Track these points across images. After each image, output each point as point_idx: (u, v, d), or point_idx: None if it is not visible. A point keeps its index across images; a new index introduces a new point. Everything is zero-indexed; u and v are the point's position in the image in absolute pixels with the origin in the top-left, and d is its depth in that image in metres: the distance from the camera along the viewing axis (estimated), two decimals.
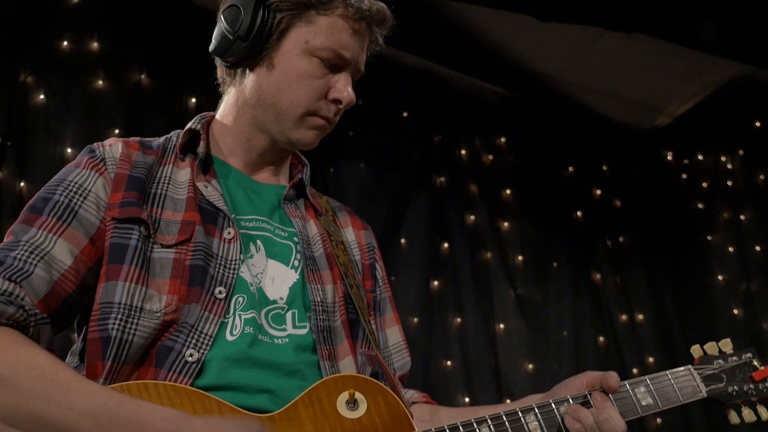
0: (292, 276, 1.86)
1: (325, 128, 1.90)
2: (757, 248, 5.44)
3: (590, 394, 1.79)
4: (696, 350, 1.99)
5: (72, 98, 4.19)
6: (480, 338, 4.91)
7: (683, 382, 1.90)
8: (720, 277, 5.56)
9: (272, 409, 1.63)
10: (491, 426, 1.70)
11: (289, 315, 1.81)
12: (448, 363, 4.76)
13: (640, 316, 5.56)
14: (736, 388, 1.94)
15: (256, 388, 1.67)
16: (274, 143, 1.91)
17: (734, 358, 1.97)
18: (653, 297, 5.64)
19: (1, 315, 1.49)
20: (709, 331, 5.34)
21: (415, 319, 4.66)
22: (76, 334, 1.78)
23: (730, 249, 5.58)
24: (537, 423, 1.74)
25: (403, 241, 4.94)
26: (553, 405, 1.77)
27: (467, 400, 4.60)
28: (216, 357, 1.66)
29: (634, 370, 5.16)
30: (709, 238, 5.72)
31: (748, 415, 1.95)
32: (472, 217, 5.28)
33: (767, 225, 5.42)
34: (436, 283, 4.97)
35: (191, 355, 1.63)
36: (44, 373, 1.45)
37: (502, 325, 5.03)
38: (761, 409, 1.97)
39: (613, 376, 1.82)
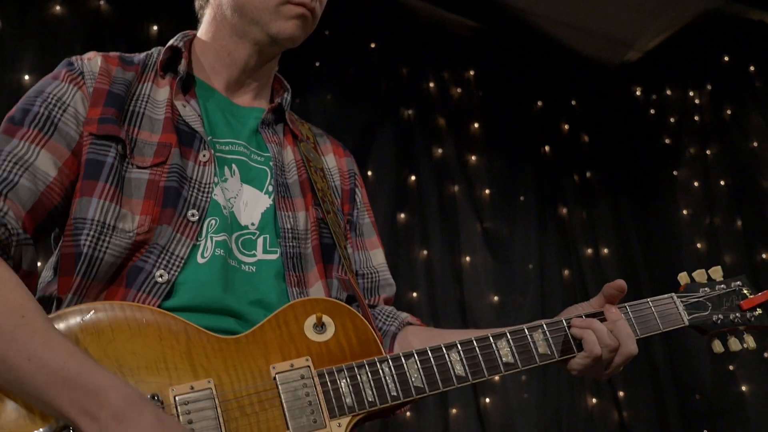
0: (265, 201, 1.85)
1: (306, 19, 1.86)
2: (722, 183, 5.47)
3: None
4: (683, 277, 1.95)
5: (29, 24, 4.08)
6: (446, 271, 4.93)
7: (665, 310, 1.87)
8: (685, 212, 5.60)
9: (240, 332, 1.62)
10: (472, 347, 1.67)
11: (260, 240, 1.80)
12: (414, 295, 4.78)
13: (605, 250, 5.60)
14: (721, 316, 1.91)
15: (224, 311, 1.67)
16: (257, 50, 1.88)
17: (722, 286, 1.93)
18: (618, 231, 5.68)
19: None
20: (673, 265, 5.39)
21: None
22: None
23: (696, 183, 5.61)
24: (544, 340, 1.72)
25: (370, 173, 4.91)
26: (564, 323, 1.76)
27: None
28: (186, 280, 1.65)
29: None
30: (675, 173, 5.75)
31: (733, 344, 1.91)
32: (440, 151, 5.25)
33: (732, 160, 5.44)
34: (402, 215, 4.96)
35: (161, 276, 1.62)
36: (11, 313, 1.43)
37: (468, 258, 5.05)
38: (748, 339, 1.93)
39: (617, 282, 1.81)
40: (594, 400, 4.97)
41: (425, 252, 4.93)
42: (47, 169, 1.61)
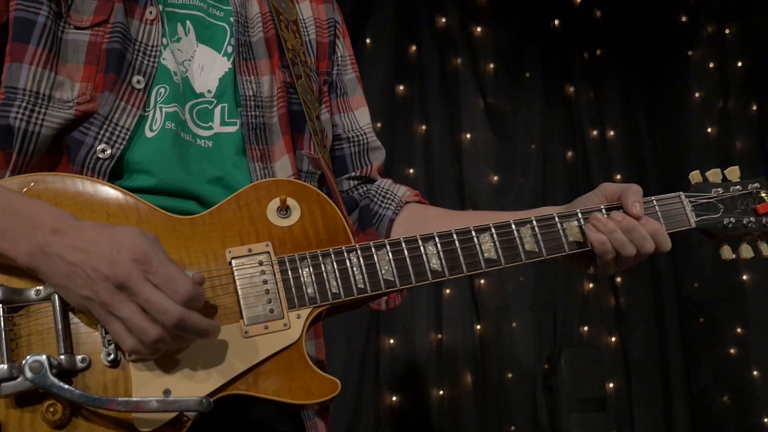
0: (223, 64, 1.63)
1: None
2: (739, 64, 5.20)
3: (608, 211, 1.63)
4: (694, 176, 1.75)
5: None
6: (445, 148, 4.73)
7: (671, 209, 1.69)
8: (697, 95, 5.35)
9: (198, 212, 1.46)
10: (451, 240, 1.54)
11: (217, 110, 1.61)
12: (411, 171, 4.60)
13: (611, 132, 5.38)
14: (733, 220, 1.72)
15: (180, 192, 1.50)
16: None
17: (737, 187, 1.73)
18: (627, 113, 5.44)
19: None
20: (680, 150, 5.21)
21: (378, 124, 4.42)
22: None
23: (711, 65, 5.34)
24: (532, 236, 1.58)
25: (368, 41, 4.63)
26: (579, 216, 1.62)
27: None
28: (134, 158, 1.48)
29: None
30: (690, 53, 5.46)
31: (745, 250, 1.73)
32: (443, 20, 4.94)
33: (752, 40, 5.14)
34: (401, 87, 4.72)
35: (103, 151, 1.44)
36: None
37: (468, 135, 4.84)
38: (762, 246, 1.75)
39: (633, 191, 1.63)
40: (590, 285, 4.87)
41: (424, 127, 4.72)
42: None
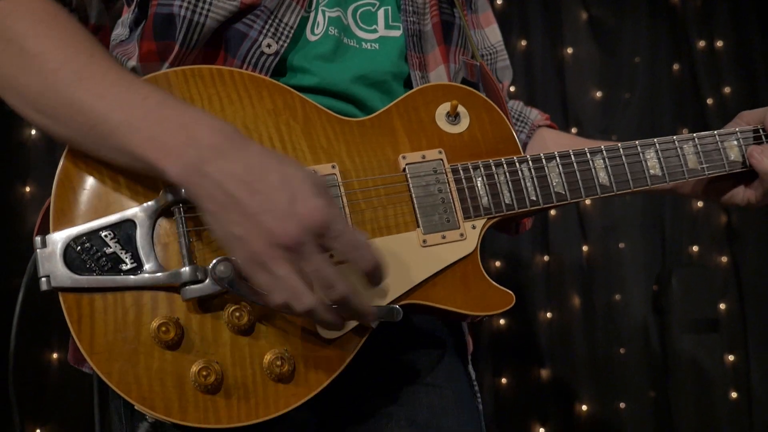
0: None
1: None
2: None
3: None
4: None
5: None
6: (547, 63, 4.54)
7: None
8: None
9: (358, 115, 1.41)
10: (618, 155, 1.50)
11: (380, 13, 1.55)
12: (512, 89, 4.44)
13: (720, 43, 5.08)
14: None
15: (340, 93, 1.44)
16: None
17: None
18: (737, 23, 5.11)
19: None
20: None
21: None
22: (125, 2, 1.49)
23: None
24: (695, 153, 1.55)
25: None
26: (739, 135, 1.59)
27: None
28: (296, 57, 1.42)
29: (709, 101, 4.80)
30: None
31: None
32: None
33: None
34: (499, 2, 4.53)
35: (269, 46, 1.37)
36: (79, 53, 1.17)
37: (570, 50, 4.63)
38: None
39: None
40: (699, 204, 4.68)
41: (524, 42, 4.53)
42: None
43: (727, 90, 4.94)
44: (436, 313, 1.36)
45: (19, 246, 3.35)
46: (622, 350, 4.34)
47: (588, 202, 4.42)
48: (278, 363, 1.20)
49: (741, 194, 1.63)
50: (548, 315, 4.25)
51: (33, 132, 3.61)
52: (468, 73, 1.64)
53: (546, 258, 4.32)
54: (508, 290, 1.35)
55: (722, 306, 4.57)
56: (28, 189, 3.56)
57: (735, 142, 1.58)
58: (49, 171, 1.21)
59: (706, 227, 4.69)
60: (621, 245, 4.47)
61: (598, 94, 4.64)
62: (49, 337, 3.46)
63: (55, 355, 3.47)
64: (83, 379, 1.48)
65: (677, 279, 4.40)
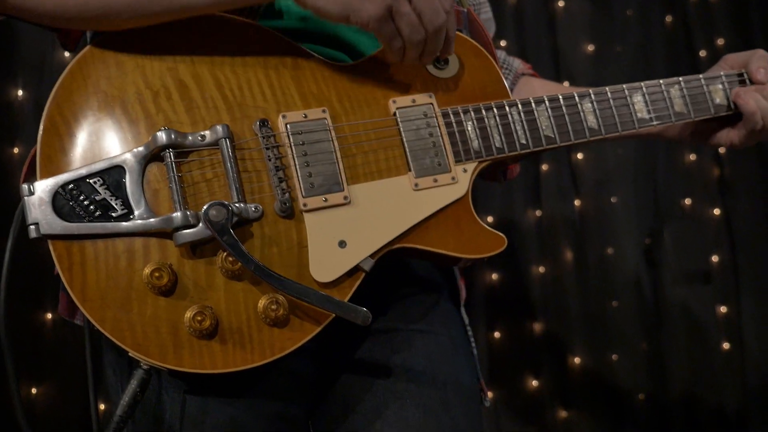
0: None
1: None
2: None
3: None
4: None
5: None
6: (538, 16, 4.51)
7: None
8: None
9: (348, 61, 1.43)
10: (606, 98, 1.55)
11: None
12: (503, 43, 4.40)
13: None
14: None
15: (330, 37, 1.46)
16: None
17: None
18: None
19: None
20: None
21: None
22: None
23: None
24: (681, 97, 1.59)
25: None
26: (724, 78, 1.65)
27: None
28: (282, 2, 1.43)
29: (702, 53, 4.77)
30: None
31: None
32: None
33: None
34: None
35: None
36: None
37: (561, 3, 4.59)
38: None
39: (758, 57, 1.63)
40: (692, 156, 4.67)
41: None
42: None
43: (720, 42, 4.90)
44: (428, 257, 1.36)
45: (7, 207, 3.32)
46: (614, 303, 4.37)
47: (580, 156, 4.40)
48: (273, 307, 1.20)
49: (725, 136, 1.67)
50: (540, 269, 4.26)
51: (20, 92, 3.57)
52: (456, 18, 1.64)
53: (538, 213, 4.32)
54: (499, 233, 1.36)
55: (714, 258, 4.59)
56: (16, 150, 3.53)
57: (720, 86, 1.62)
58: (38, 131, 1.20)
59: (699, 180, 4.69)
60: (613, 199, 4.47)
61: (590, 47, 4.61)
62: (42, 298, 3.45)
63: (48, 315, 3.47)
64: (78, 337, 1.47)
65: (669, 232, 4.41)
